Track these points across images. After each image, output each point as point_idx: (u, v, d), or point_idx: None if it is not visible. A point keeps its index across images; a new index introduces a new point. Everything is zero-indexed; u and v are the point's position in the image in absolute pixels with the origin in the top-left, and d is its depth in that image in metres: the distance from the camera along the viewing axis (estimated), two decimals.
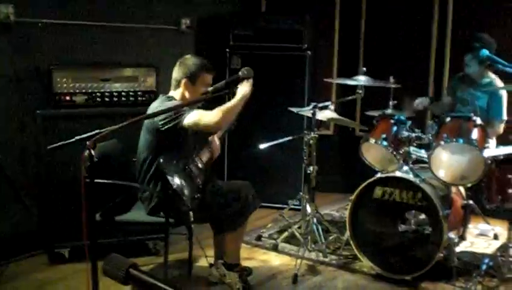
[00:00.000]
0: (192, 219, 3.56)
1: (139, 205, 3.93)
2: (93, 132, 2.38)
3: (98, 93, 4.47)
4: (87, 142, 2.27)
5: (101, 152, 3.65)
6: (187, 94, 3.76)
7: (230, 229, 3.85)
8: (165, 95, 3.83)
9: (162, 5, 5.33)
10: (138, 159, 3.78)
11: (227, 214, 3.76)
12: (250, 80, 3.51)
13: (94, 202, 3.55)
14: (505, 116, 4.80)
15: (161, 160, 3.51)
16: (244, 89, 3.51)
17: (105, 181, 3.48)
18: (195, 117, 3.47)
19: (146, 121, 3.68)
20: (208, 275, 4.01)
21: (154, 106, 3.73)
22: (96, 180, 3.38)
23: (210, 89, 2.62)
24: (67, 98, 4.38)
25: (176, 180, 3.45)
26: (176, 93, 3.79)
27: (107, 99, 4.49)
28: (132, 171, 3.90)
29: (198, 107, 3.76)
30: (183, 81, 3.74)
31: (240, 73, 2.94)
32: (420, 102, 4.91)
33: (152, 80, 4.66)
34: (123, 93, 4.54)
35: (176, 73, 3.79)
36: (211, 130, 3.69)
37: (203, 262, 4.23)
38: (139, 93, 4.60)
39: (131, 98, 4.56)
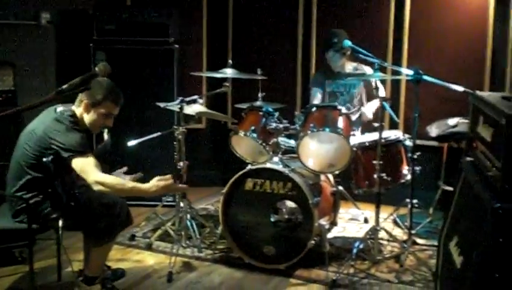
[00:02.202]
0: (60, 226, 3.39)
1: (1, 211, 3.70)
2: None
3: None
4: None
5: None
6: (86, 117, 3.52)
7: (96, 244, 3.64)
8: (66, 107, 3.54)
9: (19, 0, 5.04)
10: (15, 161, 3.51)
11: (96, 227, 3.54)
12: (171, 185, 3.29)
13: None
14: (383, 94, 4.94)
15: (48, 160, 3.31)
16: (153, 187, 3.27)
17: None
18: (83, 167, 3.27)
19: (35, 130, 3.43)
20: None
21: (51, 119, 3.45)
22: None
23: (64, 86, 2.47)
24: None
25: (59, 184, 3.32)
26: (77, 111, 3.53)
27: None
28: None
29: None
30: (85, 102, 3.48)
31: (96, 69, 2.80)
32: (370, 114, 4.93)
33: (10, 78, 4.39)
34: None
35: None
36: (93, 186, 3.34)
37: (73, 267, 4.05)
38: None
39: None
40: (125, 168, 3.83)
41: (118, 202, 3.61)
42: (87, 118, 3.53)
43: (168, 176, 3.28)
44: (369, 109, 4.91)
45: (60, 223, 3.46)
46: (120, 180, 3.34)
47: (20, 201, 3.43)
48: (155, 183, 3.25)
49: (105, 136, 4.02)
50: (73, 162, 3.28)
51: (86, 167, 3.28)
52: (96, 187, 3.24)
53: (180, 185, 3.30)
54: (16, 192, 3.44)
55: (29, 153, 3.41)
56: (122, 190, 3.29)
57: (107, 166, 3.71)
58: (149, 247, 4.62)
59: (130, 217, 3.74)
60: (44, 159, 3.32)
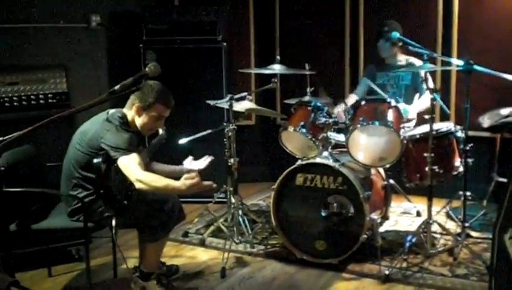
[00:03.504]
0: (114, 224, 3.47)
1: (58, 210, 3.82)
2: None
3: (6, 98, 4.28)
4: None
5: (12, 160, 3.55)
6: (137, 119, 3.61)
7: (151, 240, 3.73)
8: (118, 110, 3.64)
9: (69, 3, 5.15)
10: (67, 161, 3.62)
11: (149, 224, 3.64)
12: (197, 183, 3.28)
13: (6, 212, 3.47)
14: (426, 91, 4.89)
15: (99, 159, 3.37)
16: (187, 184, 3.26)
17: (15, 190, 3.40)
18: (127, 165, 3.34)
19: (87, 131, 3.54)
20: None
21: (102, 120, 3.56)
22: (5, 190, 3.29)
23: (117, 87, 2.54)
24: None
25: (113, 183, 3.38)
26: (129, 114, 3.63)
27: (16, 104, 4.32)
28: (48, 176, 3.78)
29: None
30: (136, 105, 3.57)
31: (147, 69, 2.86)
32: (338, 112, 4.86)
33: (63, 81, 4.51)
34: (32, 97, 4.38)
35: (134, 94, 3.55)
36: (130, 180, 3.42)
37: (129, 264, 4.14)
38: (49, 95, 4.45)
39: (41, 101, 4.40)
40: (191, 157, 4.04)
41: (170, 199, 3.68)
42: (139, 121, 3.61)
43: (194, 174, 3.31)
44: (414, 108, 4.82)
45: (114, 221, 3.56)
46: (157, 177, 3.35)
47: (74, 200, 3.54)
48: (184, 181, 3.26)
49: (160, 130, 4.09)
50: (119, 161, 3.36)
51: (129, 165, 3.34)
52: (137, 185, 3.30)
53: (205, 183, 3.32)
54: (70, 191, 3.55)
55: (81, 153, 3.51)
56: (158, 188, 3.31)
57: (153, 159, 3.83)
58: (202, 243, 4.69)
59: (183, 212, 3.82)
60: (95, 161, 3.38)
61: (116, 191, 3.49)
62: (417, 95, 4.93)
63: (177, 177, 3.35)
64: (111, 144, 3.39)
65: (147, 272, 3.80)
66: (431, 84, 4.55)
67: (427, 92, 4.51)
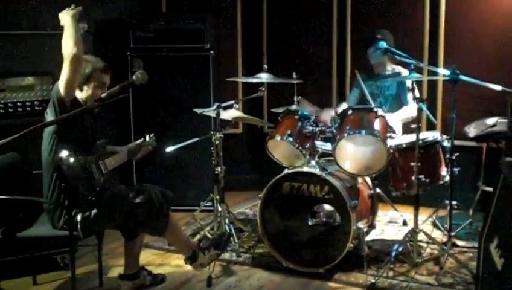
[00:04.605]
0: (79, 220, 3.43)
1: (43, 218, 3.79)
2: None
3: None
4: None
5: None
6: (80, 94, 3.66)
7: (160, 232, 3.75)
8: None
9: (54, 10, 5.11)
10: (44, 166, 3.62)
11: (144, 219, 3.62)
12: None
13: None
14: (411, 101, 4.91)
15: (62, 155, 3.36)
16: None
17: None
18: (61, 76, 3.44)
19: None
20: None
21: None
22: None
23: (104, 95, 2.54)
24: None
25: (71, 172, 3.37)
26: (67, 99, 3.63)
27: (2, 111, 4.30)
28: (34, 183, 3.75)
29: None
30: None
31: (134, 77, 2.86)
32: (325, 120, 4.86)
33: (50, 88, 4.48)
34: (19, 104, 4.36)
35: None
36: (76, 60, 3.44)
37: (114, 273, 4.13)
38: (35, 103, 4.42)
39: (27, 108, 4.38)
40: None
41: (145, 190, 3.67)
42: (83, 94, 3.66)
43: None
44: (394, 117, 4.81)
45: (79, 217, 3.50)
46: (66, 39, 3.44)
47: (56, 210, 3.55)
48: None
49: (147, 138, 4.09)
50: (60, 87, 3.44)
51: (62, 76, 3.44)
52: (74, 51, 3.37)
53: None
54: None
55: (48, 154, 3.54)
56: (72, 34, 3.41)
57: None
58: None
59: (167, 195, 3.79)
60: (57, 156, 3.40)
61: (82, 187, 3.49)
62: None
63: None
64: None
65: (191, 254, 3.84)
66: (417, 94, 4.57)
67: (411, 103, 4.54)
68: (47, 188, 3.60)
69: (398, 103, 5.03)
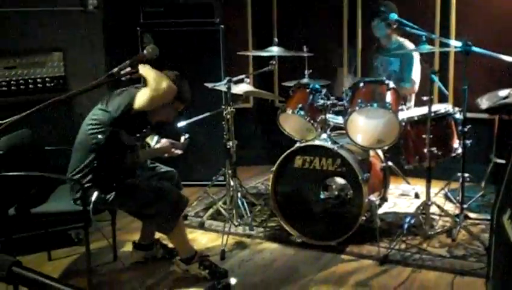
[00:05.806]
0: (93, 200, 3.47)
1: (57, 193, 3.82)
2: None
3: (3, 82, 4.27)
4: None
5: (9, 144, 3.55)
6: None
7: (165, 231, 3.79)
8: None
9: None
10: (81, 143, 3.63)
11: (155, 215, 3.67)
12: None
13: (4, 197, 3.47)
14: (413, 76, 4.89)
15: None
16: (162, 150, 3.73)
17: (13, 174, 3.40)
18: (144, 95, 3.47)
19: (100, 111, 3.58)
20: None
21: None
22: (2, 174, 3.29)
23: (114, 70, 2.53)
24: None
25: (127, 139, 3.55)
26: None
27: (13, 88, 4.31)
28: (47, 159, 3.77)
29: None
30: None
31: (145, 52, 2.86)
32: (348, 83, 4.82)
33: (60, 64, 4.49)
34: (30, 81, 4.36)
35: (153, 81, 3.50)
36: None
37: (128, 247, 4.17)
38: (47, 79, 4.43)
39: (39, 85, 4.39)
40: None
41: (166, 188, 3.72)
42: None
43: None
44: None
45: (94, 196, 3.50)
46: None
47: (77, 185, 3.56)
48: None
49: (182, 139, 4.15)
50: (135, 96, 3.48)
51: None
52: None
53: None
54: (73, 175, 3.57)
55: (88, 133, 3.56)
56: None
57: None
58: (201, 226, 4.70)
59: (182, 199, 3.79)
60: (99, 136, 3.46)
61: (110, 170, 3.56)
62: None
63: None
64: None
65: (186, 257, 3.82)
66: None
67: (410, 81, 4.55)
68: (78, 163, 3.59)
69: (400, 80, 4.95)
